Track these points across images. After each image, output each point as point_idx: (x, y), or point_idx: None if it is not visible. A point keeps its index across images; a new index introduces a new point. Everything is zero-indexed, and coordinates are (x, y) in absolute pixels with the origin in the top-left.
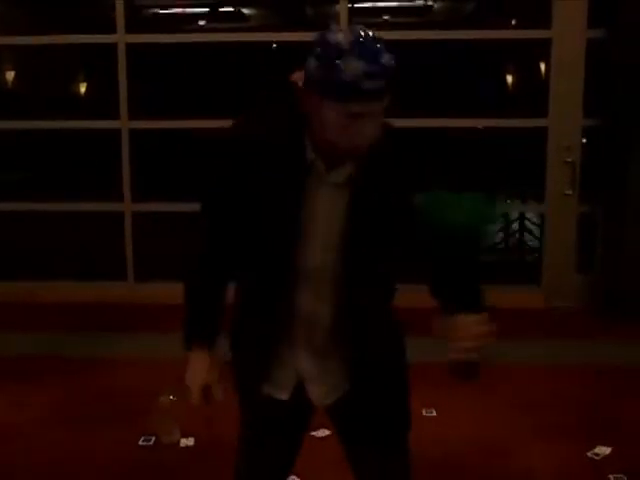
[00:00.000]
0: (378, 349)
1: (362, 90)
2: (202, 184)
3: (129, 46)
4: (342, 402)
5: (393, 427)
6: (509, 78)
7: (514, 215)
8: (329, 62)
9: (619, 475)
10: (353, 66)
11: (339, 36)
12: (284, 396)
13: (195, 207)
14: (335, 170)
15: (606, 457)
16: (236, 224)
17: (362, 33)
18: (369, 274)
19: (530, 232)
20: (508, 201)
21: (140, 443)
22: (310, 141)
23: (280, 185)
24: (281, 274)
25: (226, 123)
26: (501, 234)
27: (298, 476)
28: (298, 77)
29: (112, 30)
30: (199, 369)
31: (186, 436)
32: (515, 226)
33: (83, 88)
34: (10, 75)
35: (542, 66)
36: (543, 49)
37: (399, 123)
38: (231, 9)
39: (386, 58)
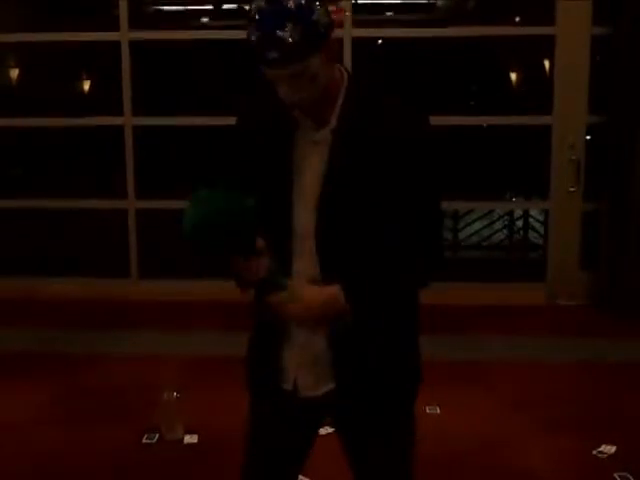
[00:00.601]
0: (366, 335)
1: (262, 58)
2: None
3: (132, 43)
4: (334, 396)
5: (387, 425)
6: (513, 76)
7: (518, 212)
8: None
9: (624, 473)
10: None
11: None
12: (286, 386)
13: None
14: (322, 129)
15: (611, 455)
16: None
17: (272, 2)
18: (343, 244)
19: (534, 229)
20: (513, 199)
21: (143, 440)
22: None
23: (271, 146)
24: (280, 239)
25: (229, 120)
26: (505, 231)
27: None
28: None
29: (115, 27)
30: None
31: (190, 433)
32: (519, 223)
33: (87, 85)
34: (14, 73)
35: (546, 63)
36: (547, 46)
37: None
38: (234, 6)
39: (283, 30)
